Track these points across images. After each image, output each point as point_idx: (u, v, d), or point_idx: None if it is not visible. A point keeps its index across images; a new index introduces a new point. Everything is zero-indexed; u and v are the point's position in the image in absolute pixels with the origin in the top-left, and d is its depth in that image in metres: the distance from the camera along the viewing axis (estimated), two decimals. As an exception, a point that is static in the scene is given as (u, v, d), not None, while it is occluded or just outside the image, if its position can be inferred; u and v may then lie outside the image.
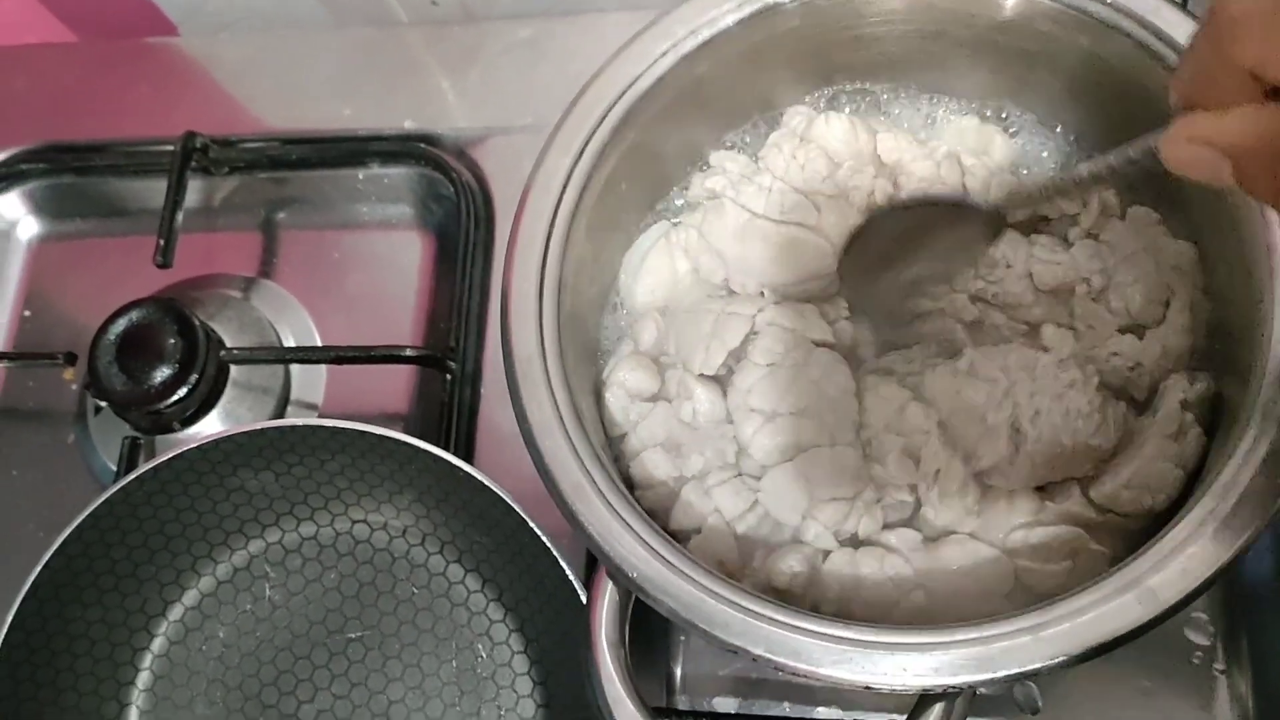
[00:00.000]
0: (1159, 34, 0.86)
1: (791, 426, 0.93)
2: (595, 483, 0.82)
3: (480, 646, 1.03)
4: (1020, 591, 0.91)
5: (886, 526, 0.94)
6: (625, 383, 0.97)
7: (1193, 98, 0.49)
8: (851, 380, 0.97)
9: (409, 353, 1.14)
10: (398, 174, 1.24)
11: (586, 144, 0.93)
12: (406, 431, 1.24)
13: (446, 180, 1.18)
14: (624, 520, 0.81)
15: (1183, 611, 0.74)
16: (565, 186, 0.91)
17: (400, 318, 1.27)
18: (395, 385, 1.23)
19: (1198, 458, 0.89)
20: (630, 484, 0.97)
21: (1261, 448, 0.77)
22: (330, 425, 1.01)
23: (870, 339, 1.01)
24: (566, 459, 0.83)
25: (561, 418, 0.85)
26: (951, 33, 0.95)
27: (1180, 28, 0.86)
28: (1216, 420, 0.91)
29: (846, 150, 1.00)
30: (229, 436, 1.01)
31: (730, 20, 0.93)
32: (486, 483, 0.98)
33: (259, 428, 1.01)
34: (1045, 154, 1.03)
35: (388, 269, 1.23)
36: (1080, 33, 0.89)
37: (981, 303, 0.98)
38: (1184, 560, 0.75)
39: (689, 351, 0.99)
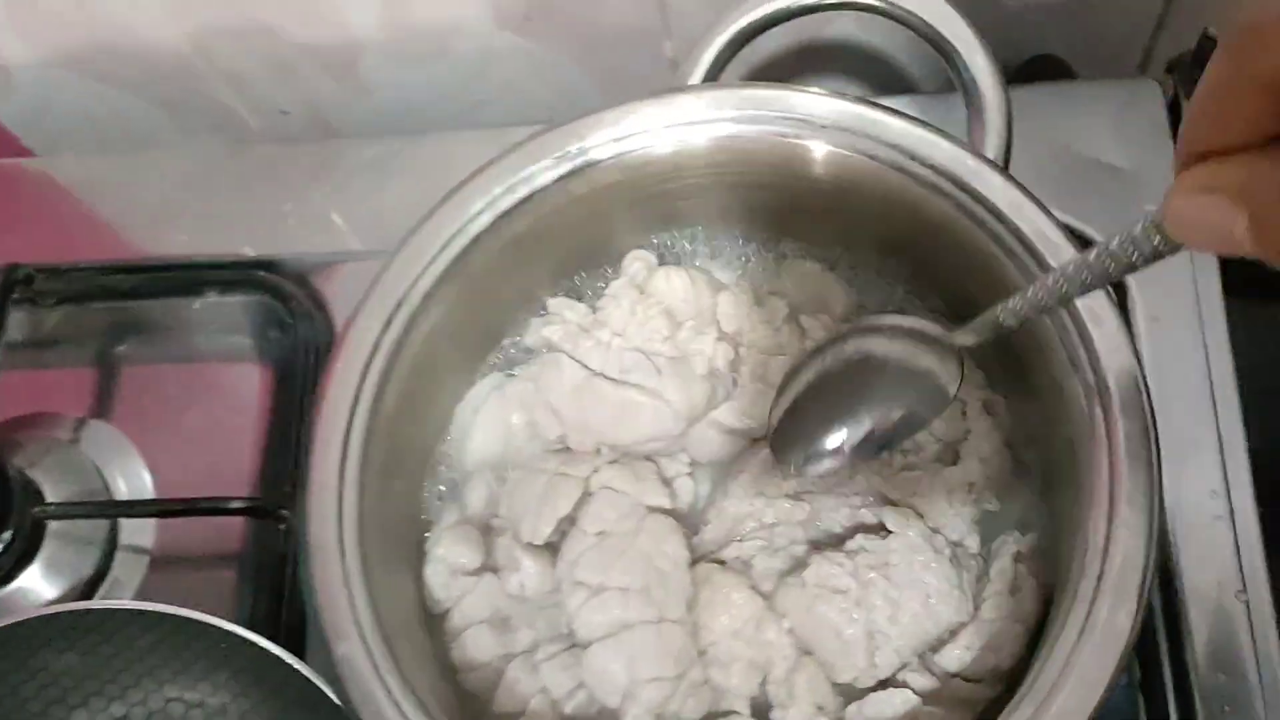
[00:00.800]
0: (978, 197, 0.82)
1: (618, 601, 0.88)
2: (391, 694, 0.76)
3: None
4: None
5: (712, 715, 0.90)
6: (446, 558, 0.92)
7: (1202, 140, 0.40)
8: (685, 550, 0.92)
9: (236, 504, 1.08)
10: (236, 302, 1.17)
11: (403, 300, 0.87)
12: (240, 580, 1.16)
13: (285, 309, 1.13)
14: None
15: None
16: (377, 346, 0.86)
17: (239, 457, 1.20)
18: (230, 529, 1.16)
19: (1038, 613, 0.87)
20: (453, 667, 0.90)
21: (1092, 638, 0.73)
22: (135, 608, 0.94)
23: (707, 495, 0.97)
24: (360, 669, 0.76)
25: (357, 618, 0.78)
26: (777, 184, 0.91)
27: (1001, 192, 0.82)
28: (1054, 572, 0.88)
29: (687, 309, 0.96)
30: (23, 621, 0.94)
31: (549, 177, 0.88)
32: (306, 673, 0.91)
33: (55, 612, 0.94)
34: (887, 304, 0.99)
35: (227, 404, 1.20)
36: (901, 190, 0.86)
37: (804, 496, 0.94)
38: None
39: (519, 517, 0.94)
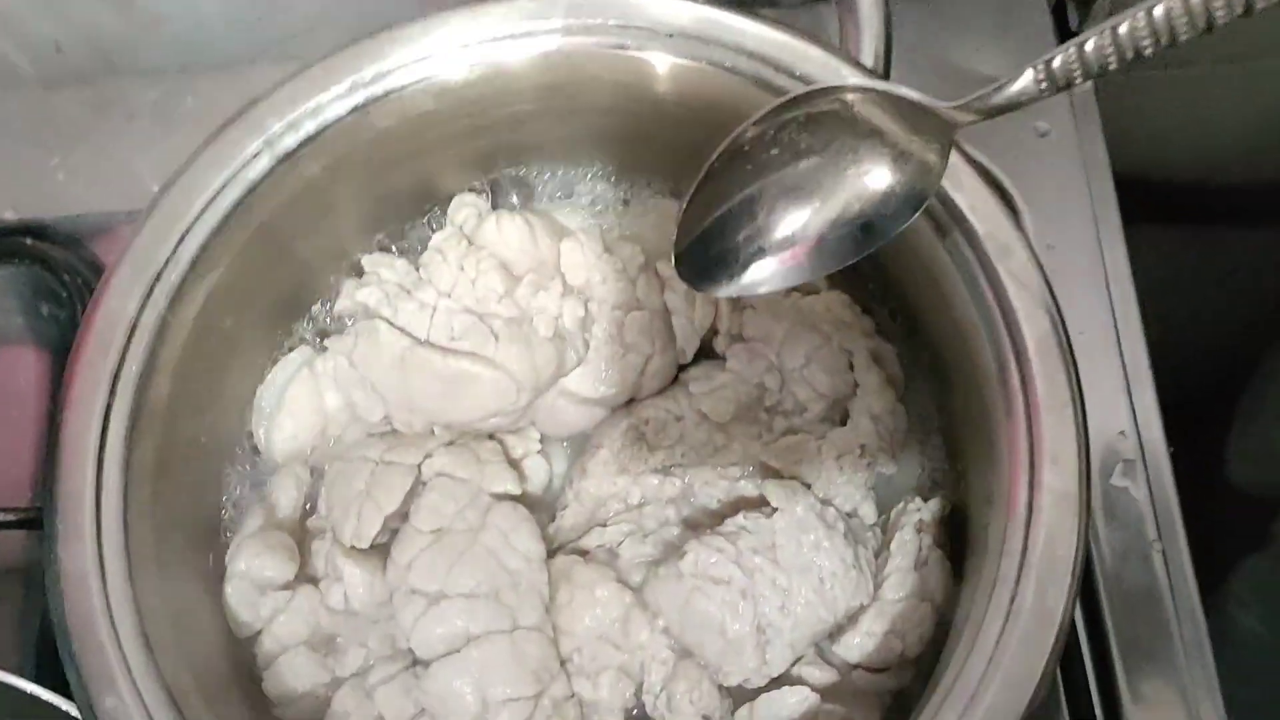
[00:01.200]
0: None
1: (461, 610, 0.76)
2: None
3: None
4: None
5: None
6: (250, 572, 0.77)
7: None
8: (538, 543, 0.79)
9: (4, 516, 0.89)
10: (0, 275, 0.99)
11: (164, 269, 0.72)
12: (21, 605, 0.98)
13: (58, 281, 0.99)
14: None
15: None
16: (135, 325, 0.71)
17: (16, 455, 1.01)
18: (7, 544, 0.98)
19: (946, 588, 0.77)
20: (268, 701, 0.76)
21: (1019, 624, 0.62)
22: None
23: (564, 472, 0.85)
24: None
25: (126, 662, 0.63)
26: (620, 107, 0.77)
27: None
28: (962, 545, 0.78)
29: (525, 260, 0.82)
30: None
31: (342, 108, 0.72)
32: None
33: None
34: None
35: None
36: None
37: (674, 470, 0.81)
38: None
39: (339, 517, 0.80)
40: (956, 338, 0.71)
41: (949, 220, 0.68)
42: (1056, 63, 0.57)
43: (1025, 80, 0.58)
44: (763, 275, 0.67)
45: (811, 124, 0.64)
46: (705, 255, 0.67)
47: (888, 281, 0.80)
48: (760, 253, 0.67)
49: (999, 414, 0.66)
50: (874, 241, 0.65)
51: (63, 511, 0.67)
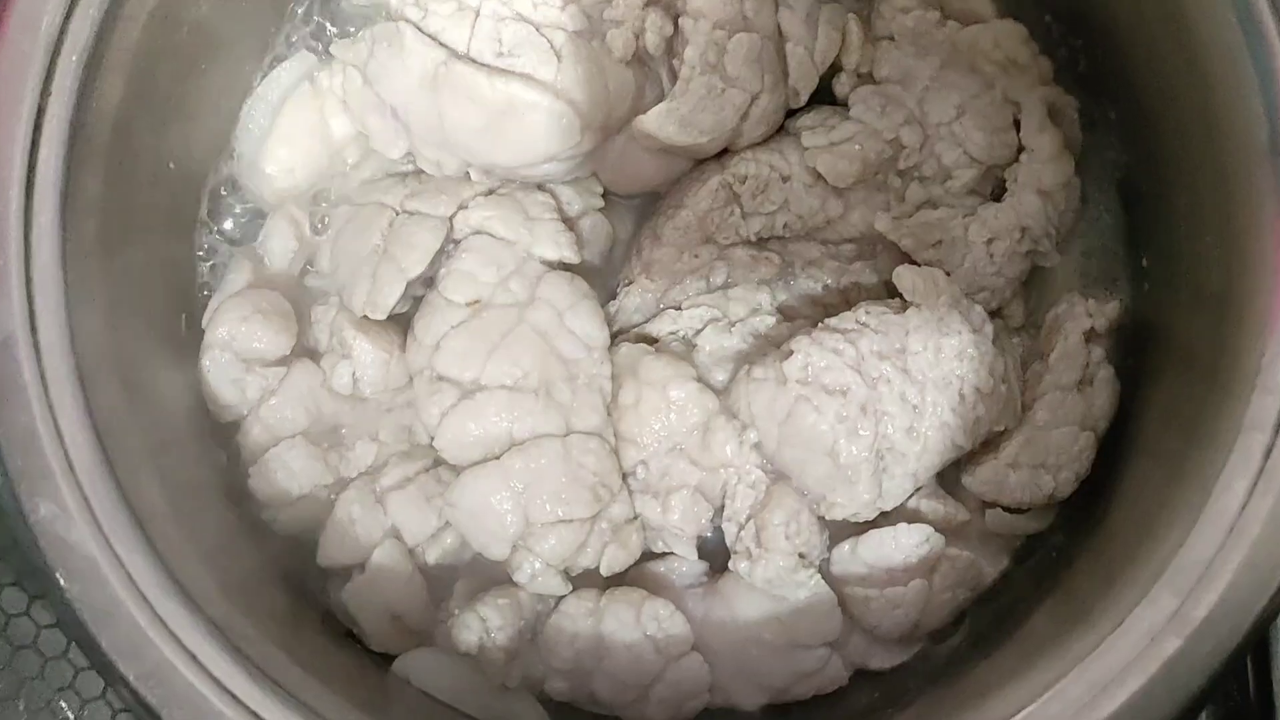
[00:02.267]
0: None
1: (503, 405, 0.63)
2: (142, 593, 0.49)
3: (64, 704, 0.74)
4: (852, 633, 0.65)
5: (651, 556, 0.65)
6: (233, 342, 0.62)
7: None
8: (602, 327, 0.66)
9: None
10: None
11: None
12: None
13: None
14: (192, 657, 0.49)
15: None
16: (70, 12, 0.53)
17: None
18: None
19: (1112, 413, 0.64)
20: (255, 504, 0.64)
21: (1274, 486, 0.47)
22: None
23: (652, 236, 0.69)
24: (81, 546, 0.49)
25: (67, 456, 0.48)
26: None
27: None
28: (1142, 357, 0.65)
29: (601, -49, 0.63)
30: None
31: None
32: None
33: None
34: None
35: None
36: None
37: (772, 244, 0.67)
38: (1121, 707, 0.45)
39: (349, 277, 0.64)
40: (1191, 83, 0.53)
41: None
42: None
43: None
44: None
45: None
46: None
47: (1083, 5, 0.60)
48: None
49: (1262, 197, 0.48)
50: None
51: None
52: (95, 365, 0.52)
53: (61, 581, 0.48)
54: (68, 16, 0.52)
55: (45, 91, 0.52)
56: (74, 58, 0.51)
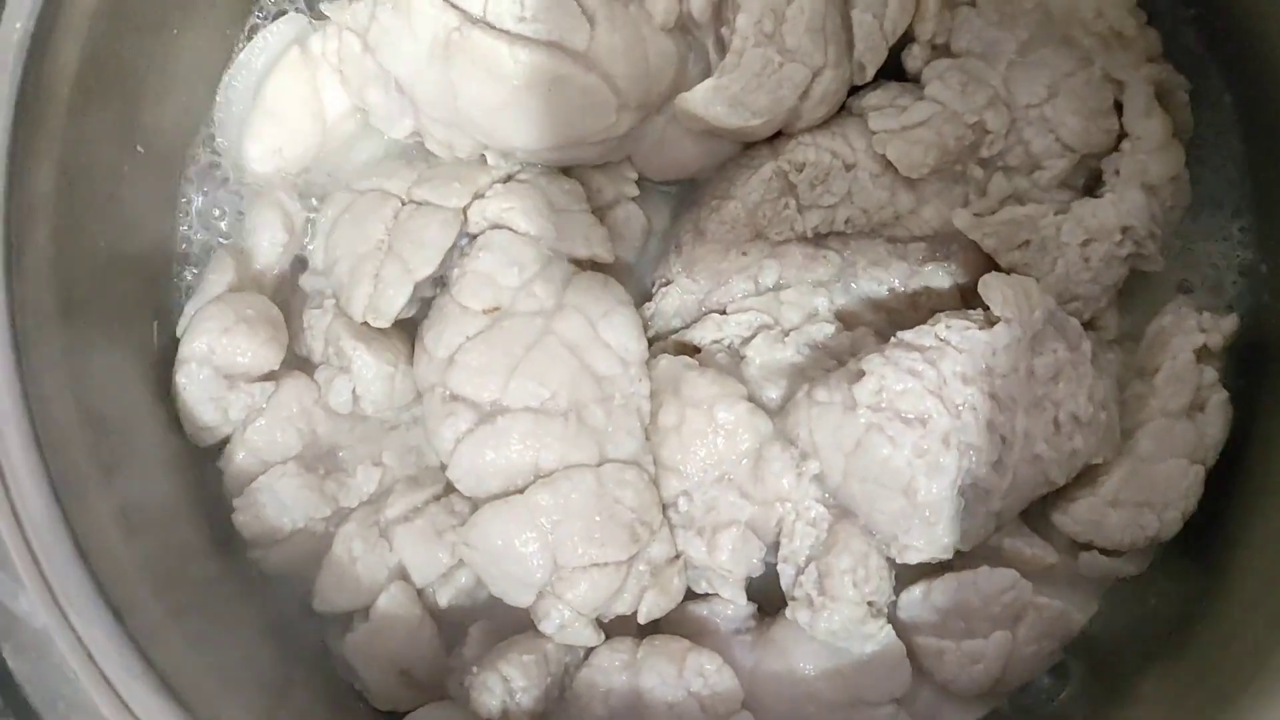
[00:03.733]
0: None
1: (526, 431, 0.55)
2: (104, 675, 0.42)
3: None
4: (922, 687, 0.58)
5: (692, 594, 0.58)
6: (214, 355, 0.54)
7: None
8: (641, 339, 0.59)
9: None
10: None
11: None
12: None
13: None
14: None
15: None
16: None
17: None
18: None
19: (1222, 443, 0.57)
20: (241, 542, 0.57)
21: None
22: None
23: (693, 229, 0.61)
24: (30, 619, 0.43)
25: (17, 514, 0.43)
26: None
27: None
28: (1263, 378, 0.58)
29: (638, -101, 0.54)
30: None
31: None
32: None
33: None
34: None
35: None
36: None
37: (831, 240, 0.60)
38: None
39: (347, 276, 0.56)
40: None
41: None
42: None
43: None
44: None
45: None
46: None
47: None
48: None
49: None
50: None
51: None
52: (48, 390, 0.44)
53: (8, 660, 0.41)
54: None
55: None
56: (18, 24, 0.43)
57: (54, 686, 0.41)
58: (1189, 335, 0.56)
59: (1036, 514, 0.58)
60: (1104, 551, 0.57)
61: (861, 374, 0.54)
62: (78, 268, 0.48)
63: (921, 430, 0.53)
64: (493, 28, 0.56)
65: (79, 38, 0.46)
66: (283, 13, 0.61)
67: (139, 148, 0.54)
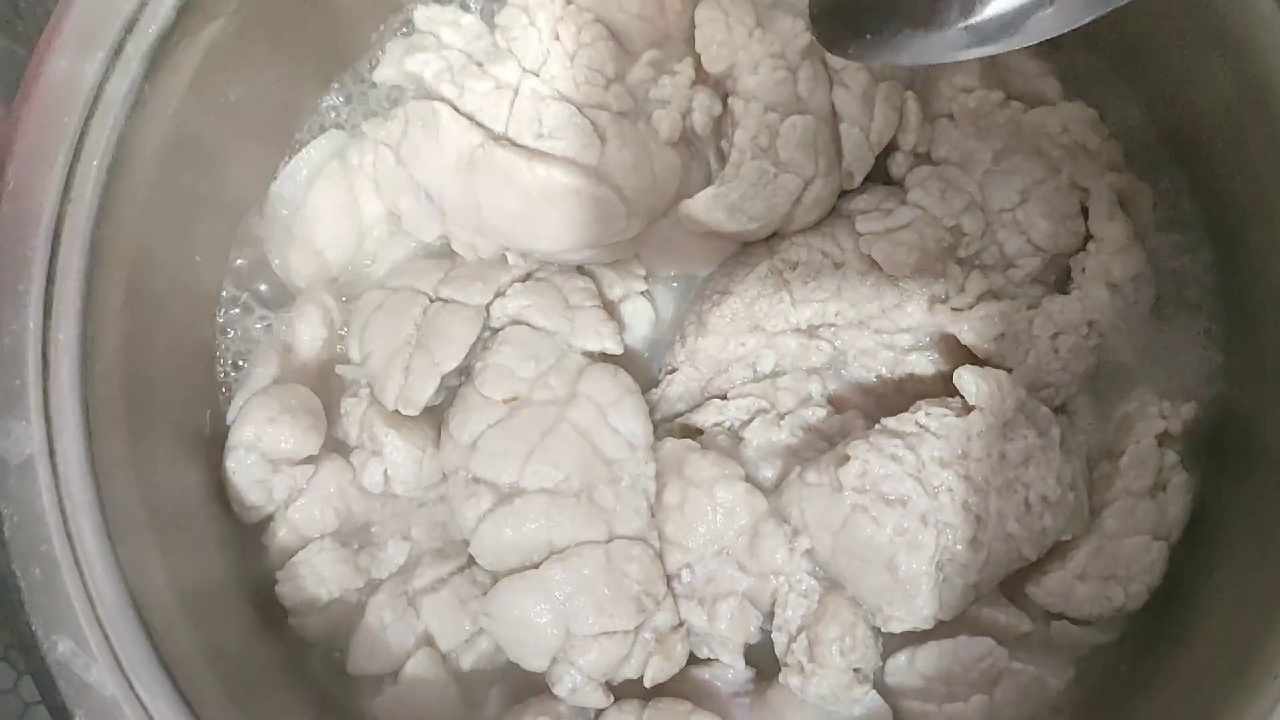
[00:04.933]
0: None
1: (541, 511, 0.60)
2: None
3: None
4: None
5: (695, 660, 0.62)
6: (260, 442, 0.58)
7: None
8: (647, 425, 0.63)
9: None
10: None
11: (139, 12, 0.51)
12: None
13: (11, 8, 0.77)
14: None
15: None
16: (100, 91, 0.51)
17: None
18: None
19: (1185, 521, 0.61)
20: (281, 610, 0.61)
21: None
22: None
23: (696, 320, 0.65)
24: (101, 688, 0.47)
25: (89, 591, 0.46)
26: None
27: None
28: (1220, 460, 0.62)
29: (644, 30, 0.61)
30: None
31: None
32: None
33: None
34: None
35: None
36: None
37: (823, 331, 0.64)
38: None
39: (380, 368, 0.60)
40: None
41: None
42: None
43: None
44: (998, 12, 0.43)
45: None
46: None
47: (1161, 87, 0.57)
48: None
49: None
50: None
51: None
52: (117, 483, 0.50)
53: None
54: (89, 115, 0.49)
55: (65, 199, 0.49)
56: (95, 161, 0.49)
57: None
58: (1150, 422, 0.60)
59: (1013, 586, 0.61)
60: (1074, 621, 0.60)
61: (847, 459, 0.58)
62: (141, 367, 0.53)
63: (902, 510, 0.57)
64: (513, 144, 0.61)
65: (148, 169, 0.51)
66: (325, 130, 0.66)
67: (196, 257, 0.59)
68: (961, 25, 0.43)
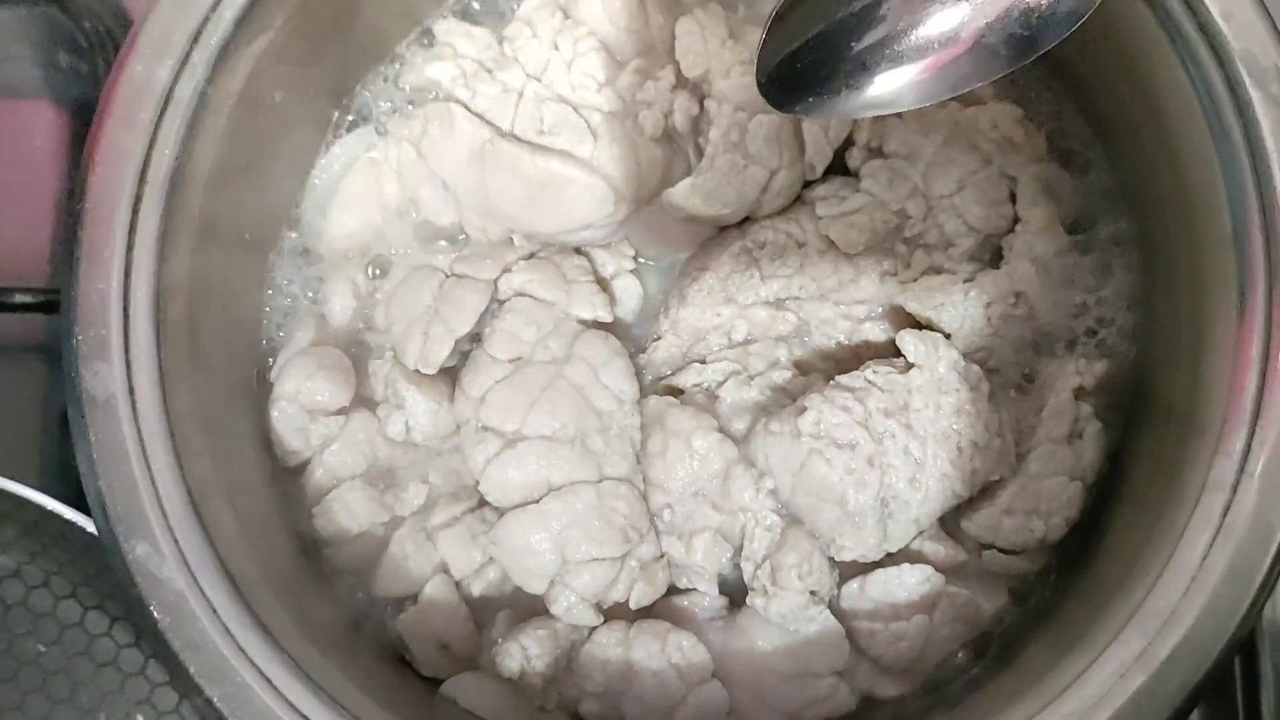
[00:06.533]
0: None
1: (541, 454, 0.67)
2: (224, 623, 0.55)
3: (140, 718, 0.77)
4: (860, 663, 0.69)
5: (675, 591, 0.69)
6: (299, 394, 0.67)
7: None
8: (633, 383, 0.70)
9: (23, 298, 0.79)
10: (9, 18, 0.89)
11: (203, 26, 0.60)
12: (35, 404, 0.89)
13: (76, 28, 0.86)
14: (268, 681, 0.55)
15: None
16: (170, 93, 0.59)
17: (31, 226, 0.91)
18: (26, 326, 0.88)
19: (1099, 465, 0.68)
20: (317, 540, 0.69)
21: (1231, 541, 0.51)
22: None
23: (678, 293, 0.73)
24: (171, 582, 0.54)
25: (160, 501, 0.54)
26: None
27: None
28: (1131, 413, 0.69)
29: (631, 42, 0.69)
30: None
31: None
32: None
33: None
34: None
35: (8, 154, 0.89)
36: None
37: (789, 303, 0.71)
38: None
39: (402, 334, 0.69)
40: (1173, 180, 0.58)
41: (1190, 26, 0.54)
42: None
43: None
44: (892, 89, 0.54)
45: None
46: (813, 62, 0.55)
47: (1079, 96, 0.65)
48: (890, 59, 0.54)
49: (1225, 284, 0.54)
50: (1014, 60, 0.53)
51: (85, 324, 0.56)
52: (183, 420, 0.58)
53: (155, 614, 0.54)
54: (161, 112, 0.58)
55: (141, 181, 0.57)
56: (167, 150, 0.57)
57: (186, 633, 0.54)
58: (1067, 378, 0.66)
59: (952, 523, 0.68)
60: (1003, 551, 0.67)
61: (805, 409, 0.65)
62: (202, 330, 0.61)
63: (851, 453, 0.65)
64: (518, 139, 0.68)
65: (209, 157, 0.58)
66: (355, 127, 0.73)
67: (246, 235, 0.67)
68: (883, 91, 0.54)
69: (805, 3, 0.55)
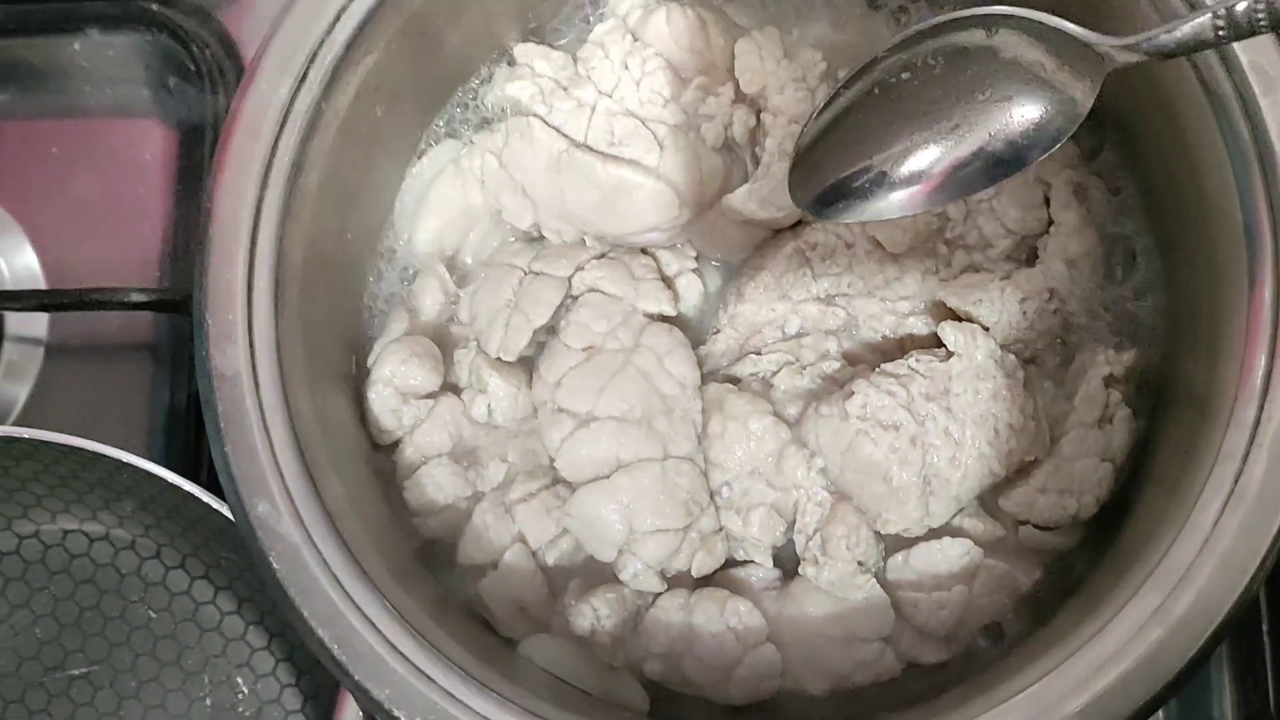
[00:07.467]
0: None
1: (612, 434, 0.73)
2: (334, 573, 0.61)
3: (240, 680, 0.86)
4: (904, 631, 0.74)
5: (733, 563, 0.75)
6: (394, 378, 0.74)
7: None
8: (695, 370, 0.75)
9: (138, 297, 0.87)
10: (124, 43, 0.98)
11: (319, 49, 0.66)
12: (149, 390, 0.98)
13: (186, 53, 0.95)
14: (372, 624, 0.61)
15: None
16: (289, 110, 0.66)
17: (142, 234, 0.99)
18: (138, 323, 0.97)
19: (1128, 448, 0.73)
20: (409, 511, 0.75)
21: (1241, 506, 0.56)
22: (3, 435, 0.76)
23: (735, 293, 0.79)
24: (285, 534, 0.59)
25: (279, 467, 0.61)
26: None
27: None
28: (1158, 399, 0.74)
29: (694, 61, 0.75)
30: None
31: None
32: (214, 505, 0.75)
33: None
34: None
35: (122, 169, 0.99)
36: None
37: (838, 300, 0.76)
38: (1112, 683, 0.55)
39: (485, 326, 0.76)
40: (1190, 182, 0.63)
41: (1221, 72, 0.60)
42: (1240, 7, 0.50)
43: (1201, 23, 0.52)
44: (884, 206, 0.63)
45: (950, 50, 0.61)
46: (825, 181, 0.64)
47: (1105, 107, 0.71)
48: (884, 185, 0.63)
49: (1238, 275, 0.59)
50: (1006, 172, 0.61)
51: (215, 309, 0.63)
52: (296, 396, 0.64)
53: (274, 564, 0.61)
54: (282, 124, 0.65)
55: (264, 184, 0.64)
56: (286, 158, 0.64)
57: (301, 581, 0.60)
58: (1099, 367, 0.71)
59: (991, 502, 0.73)
60: (1038, 527, 0.71)
61: (852, 394, 0.71)
62: (312, 316, 0.67)
63: (895, 434, 0.70)
64: (591, 150, 0.75)
65: (319, 166, 0.65)
66: (443, 140, 0.80)
67: (349, 235, 0.73)
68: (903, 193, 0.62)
69: (821, 125, 0.65)
